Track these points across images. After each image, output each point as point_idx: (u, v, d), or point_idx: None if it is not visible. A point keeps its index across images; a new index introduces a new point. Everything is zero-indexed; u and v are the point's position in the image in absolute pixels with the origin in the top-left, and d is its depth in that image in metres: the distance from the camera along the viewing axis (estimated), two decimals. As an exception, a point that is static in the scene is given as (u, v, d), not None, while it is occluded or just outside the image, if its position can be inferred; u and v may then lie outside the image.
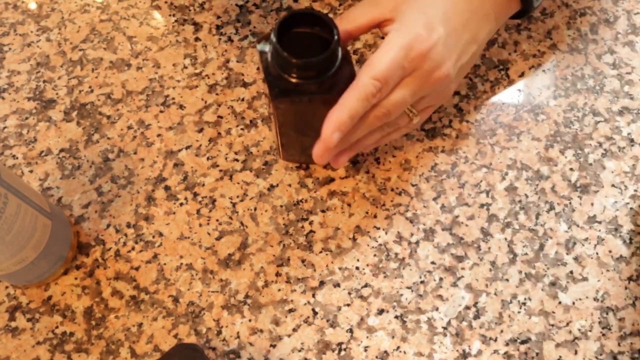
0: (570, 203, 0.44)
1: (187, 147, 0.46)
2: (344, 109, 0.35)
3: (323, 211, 0.44)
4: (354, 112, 0.35)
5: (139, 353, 0.39)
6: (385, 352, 0.40)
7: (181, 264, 0.42)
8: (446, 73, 0.38)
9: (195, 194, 0.44)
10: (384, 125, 0.40)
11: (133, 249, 0.43)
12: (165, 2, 0.53)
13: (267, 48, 0.36)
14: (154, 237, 0.43)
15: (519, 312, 0.41)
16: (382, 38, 0.49)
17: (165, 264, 0.42)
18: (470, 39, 0.40)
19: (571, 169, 0.45)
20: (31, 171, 0.45)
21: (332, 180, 0.45)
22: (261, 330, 0.40)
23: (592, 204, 0.44)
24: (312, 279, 0.42)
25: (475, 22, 0.40)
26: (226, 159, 0.46)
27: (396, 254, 0.42)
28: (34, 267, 0.39)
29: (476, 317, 0.41)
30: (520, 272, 0.42)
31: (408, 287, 0.41)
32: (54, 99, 0.48)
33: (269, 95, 0.36)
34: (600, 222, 0.44)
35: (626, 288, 0.41)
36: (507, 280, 0.42)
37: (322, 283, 0.42)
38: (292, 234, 0.43)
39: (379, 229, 0.43)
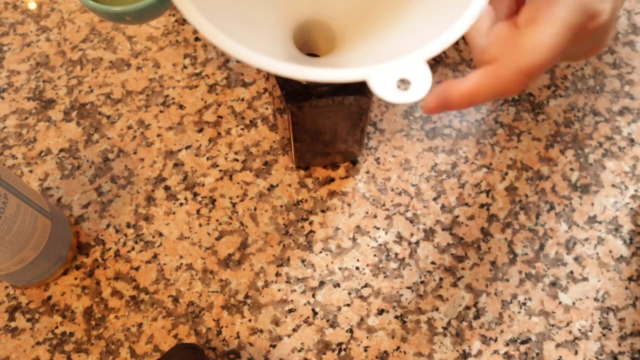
0: (570, 203, 0.44)
1: (187, 147, 0.46)
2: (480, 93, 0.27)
3: (323, 211, 0.44)
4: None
5: (139, 353, 0.39)
6: (385, 352, 0.39)
7: (181, 264, 0.42)
8: (607, 21, 0.28)
9: (195, 194, 0.44)
10: None
11: (133, 249, 0.43)
12: (165, 2, 0.53)
13: None
14: (153, 237, 0.43)
15: (519, 312, 0.41)
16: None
17: (165, 264, 0.42)
18: None
19: (571, 169, 0.45)
20: (31, 171, 0.45)
21: (332, 180, 0.45)
22: (261, 331, 0.40)
23: (592, 204, 0.44)
24: (312, 279, 0.42)
25: None
26: (226, 159, 0.46)
27: (396, 254, 0.42)
28: (34, 267, 0.38)
29: (476, 317, 0.40)
30: (520, 272, 0.42)
31: (408, 287, 0.41)
32: (53, 99, 0.48)
33: (282, 99, 0.36)
34: (600, 222, 0.43)
35: (626, 288, 0.41)
36: (507, 280, 0.42)
37: (322, 283, 0.42)
38: (292, 234, 0.43)
39: (379, 229, 0.43)
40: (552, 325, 0.40)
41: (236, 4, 0.29)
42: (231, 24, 0.27)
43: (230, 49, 0.24)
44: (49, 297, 0.41)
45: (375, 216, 0.44)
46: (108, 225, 0.43)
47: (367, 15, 0.33)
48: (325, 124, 0.38)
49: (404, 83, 0.27)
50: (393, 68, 0.25)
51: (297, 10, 0.33)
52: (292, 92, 0.36)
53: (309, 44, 0.36)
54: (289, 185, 0.45)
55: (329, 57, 0.33)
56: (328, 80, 0.24)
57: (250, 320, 0.40)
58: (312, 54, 0.37)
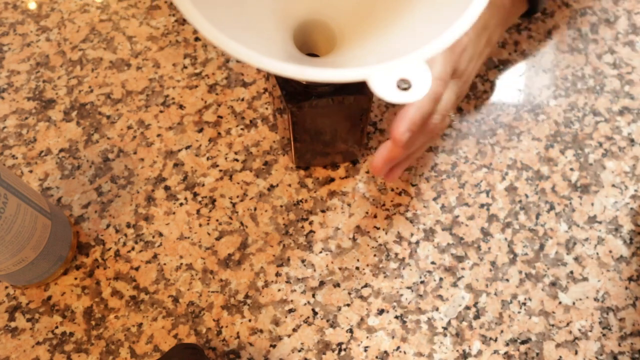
0: (570, 203, 0.44)
1: (187, 147, 0.46)
2: (416, 109, 0.34)
3: (323, 211, 0.44)
4: (425, 113, 0.34)
5: (139, 353, 0.39)
6: (385, 352, 0.39)
7: (181, 264, 0.42)
8: (473, 73, 0.40)
9: (195, 194, 0.44)
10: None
11: (133, 249, 0.43)
12: (165, 2, 0.53)
13: None
14: (153, 237, 0.43)
15: (519, 312, 0.41)
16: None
17: (165, 264, 0.42)
18: (486, 42, 0.41)
19: (571, 169, 0.45)
20: (31, 171, 0.45)
21: (332, 180, 0.45)
22: (261, 330, 0.40)
23: (592, 204, 0.44)
24: (312, 279, 0.42)
25: (490, 29, 0.41)
26: (226, 159, 0.46)
27: (396, 254, 0.42)
28: (34, 267, 0.38)
29: (476, 317, 0.40)
30: (520, 272, 0.42)
31: (408, 287, 0.41)
32: (53, 99, 0.48)
33: (282, 99, 0.36)
34: (600, 222, 0.43)
35: (626, 288, 0.41)
36: (507, 280, 0.42)
37: (322, 283, 0.42)
38: (292, 234, 0.43)
39: (379, 229, 0.43)
40: (552, 325, 0.40)
41: (236, 5, 0.29)
42: (231, 25, 0.27)
43: (231, 50, 0.24)
44: (49, 297, 0.41)
45: (375, 216, 0.44)
46: (108, 225, 0.43)
47: (367, 15, 0.33)
48: (325, 124, 0.38)
49: (404, 83, 0.27)
50: (393, 68, 0.25)
51: (296, 10, 0.33)
52: (292, 92, 0.36)
53: (309, 44, 0.36)
54: (289, 185, 0.45)
55: (329, 57, 0.33)
56: (328, 80, 0.24)
57: (250, 320, 0.40)
58: (312, 54, 0.37)
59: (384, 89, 0.24)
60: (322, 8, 0.34)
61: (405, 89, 0.25)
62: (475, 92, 0.48)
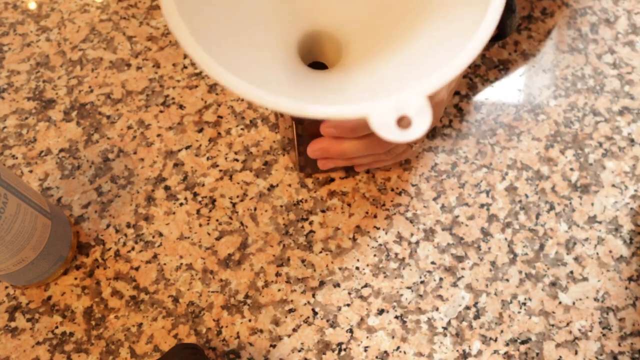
0: (570, 203, 0.44)
1: (187, 147, 0.46)
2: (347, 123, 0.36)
3: (323, 211, 0.44)
4: (356, 125, 0.36)
5: (139, 353, 0.39)
6: (385, 352, 0.39)
7: (181, 264, 0.42)
8: (442, 98, 0.40)
9: (195, 194, 0.44)
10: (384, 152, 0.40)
11: (133, 249, 0.43)
12: (165, 2, 0.53)
13: None
14: (153, 237, 0.43)
15: (519, 312, 0.41)
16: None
17: (165, 264, 0.42)
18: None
19: (571, 169, 0.45)
20: (31, 171, 0.45)
21: (332, 180, 0.45)
22: (261, 330, 0.40)
23: (592, 204, 0.44)
24: (312, 279, 0.42)
25: None
26: (226, 159, 0.46)
27: (396, 254, 0.42)
28: (34, 267, 0.38)
29: (476, 317, 0.40)
30: (520, 272, 0.42)
31: (408, 287, 0.41)
32: (53, 99, 0.48)
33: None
34: (600, 222, 0.43)
35: (626, 288, 0.41)
36: (507, 280, 0.42)
37: (322, 283, 0.42)
38: (292, 234, 0.43)
39: (379, 229, 0.43)
40: (552, 325, 0.40)
41: (235, 22, 0.29)
42: (229, 43, 0.27)
43: (228, 83, 0.24)
44: (49, 297, 0.41)
45: (375, 216, 0.44)
46: (108, 225, 0.43)
47: (371, 30, 0.33)
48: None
49: (404, 119, 0.27)
50: (393, 104, 0.24)
51: (298, 23, 0.33)
52: None
53: (315, 53, 0.36)
54: (289, 185, 0.45)
55: (334, 72, 0.33)
56: (328, 117, 0.24)
57: (250, 320, 0.40)
58: (318, 62, 0.37)
59: (383, 127, 0.24)
60: (324, 21, 0.34)
61: (404, 126, 0.25)
62: (475, 92, 0.48)
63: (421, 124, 0.24)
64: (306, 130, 0.38)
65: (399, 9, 0.32)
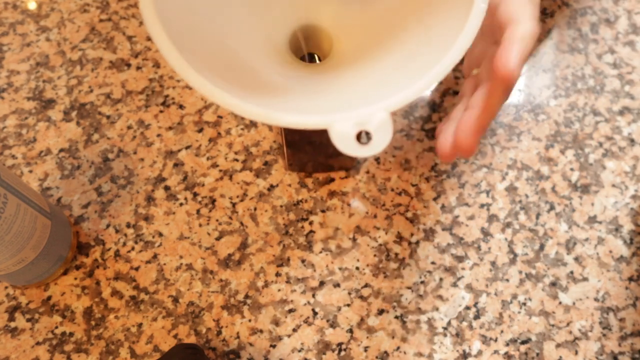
0: (570, 203, 0.44)
1: (187, 147, 0.46)
2: (525, 45, 0.30)
3: (323, 211, 0.44)
4: (528, 52, 0.30)
5: (139, 353, 0.39)
6: (385, 352, 0.39)
7: (181, 264, 0.42)
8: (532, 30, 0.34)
9: (195, 194, 0.44)
10: None
11: (133, 249, 0.43)
12: (165, 2, 0.53)
13: None
14: (153, 237, 0.43)
15: (519, 312, 0.41)
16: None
17: (165, 264, 0.42)
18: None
19: (571, 169, 0.45)
20: (31, 171, 0.45)
21: (332, 180, 0.45)
22: (261, 331, 0.40)
23: (592, 204, 0.44)
24: (312, 279, 0.42)
25: None
26: (226, 159, 0.46)
27: (396, 254, 0.42)
28: (34, 267, 0.38)
29: (476, 317, 0.40)
30: (520, 272, 0.42)
31: (408, 287, 0.41)
32: (53, 99, 0.48)
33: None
34: (600, 222, 0.43)
35: (627, 288, 0.41)
36: (507, 280, 0.42)
37: (322, 283, 0.41)
38: (292, 234, 0.43)
39: (379, 229, 0.43)
40: (552, 325, 0.40)
41: (218, 16, 0.29)
42: (208, 40, 0.27)
43: (193, 82, 0.24)
44: (49, 297, 0.41)
45: (375, 216, 0.44)
46: (108, 225, 0.43)
47: (360, 28, 0.33)
48: (316, 135, 0.39)
49: (364, 135, 0.27)
50: (354, 118, 0.25)
51: (285, 18, 0.34)
52: None
53: (310, 43, 0.36)
54: (289, 185, 0.45)
55: (320, 68, 0.33)
56: (290, 126, 0.25)
57: (250, 320, 0.40)
58: (313, 53, 0.37)
59: (342, 141, 0.24)
60: (314, 17, 0.34)
61: (364, 142, 0.25)
62: (475, 92, 0.48)
63: (381, 141, 0.25)
64: (296, 134, 0.38)
65: (388, 14, 0.32)
